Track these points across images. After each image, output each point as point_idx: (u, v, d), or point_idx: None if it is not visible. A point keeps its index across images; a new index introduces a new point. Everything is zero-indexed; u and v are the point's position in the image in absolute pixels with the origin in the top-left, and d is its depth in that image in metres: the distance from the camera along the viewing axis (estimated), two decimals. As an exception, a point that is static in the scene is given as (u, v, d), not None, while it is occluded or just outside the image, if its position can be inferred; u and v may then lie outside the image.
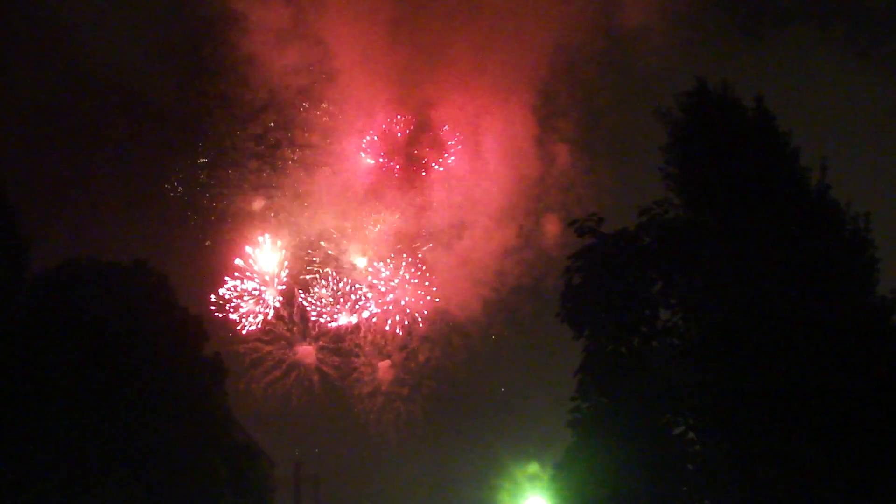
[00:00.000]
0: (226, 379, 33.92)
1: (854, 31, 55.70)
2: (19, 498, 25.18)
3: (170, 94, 57.54)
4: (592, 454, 20.46)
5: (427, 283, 57.29)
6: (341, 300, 56.82)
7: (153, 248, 50.73)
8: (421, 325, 57.27)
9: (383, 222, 57.70)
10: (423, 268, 57.58)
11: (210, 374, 32.37)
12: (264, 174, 56.66)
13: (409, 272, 57.33)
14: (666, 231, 21.19)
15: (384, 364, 56.98)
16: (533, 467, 42.35)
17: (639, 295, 20.98)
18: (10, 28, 55.24)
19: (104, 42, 53.99)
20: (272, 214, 56.61)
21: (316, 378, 56.52)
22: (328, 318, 56.78)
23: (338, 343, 56.85)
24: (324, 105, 57.01)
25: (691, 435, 20.39)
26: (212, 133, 57.05)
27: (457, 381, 57.33)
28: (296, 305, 56.30)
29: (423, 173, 58.44)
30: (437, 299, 57.13)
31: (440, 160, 58.47)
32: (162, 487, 28.92)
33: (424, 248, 57.92)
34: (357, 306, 56.97)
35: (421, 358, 57.38)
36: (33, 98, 55.59)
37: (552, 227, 55.66)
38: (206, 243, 56.94)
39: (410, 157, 58.57)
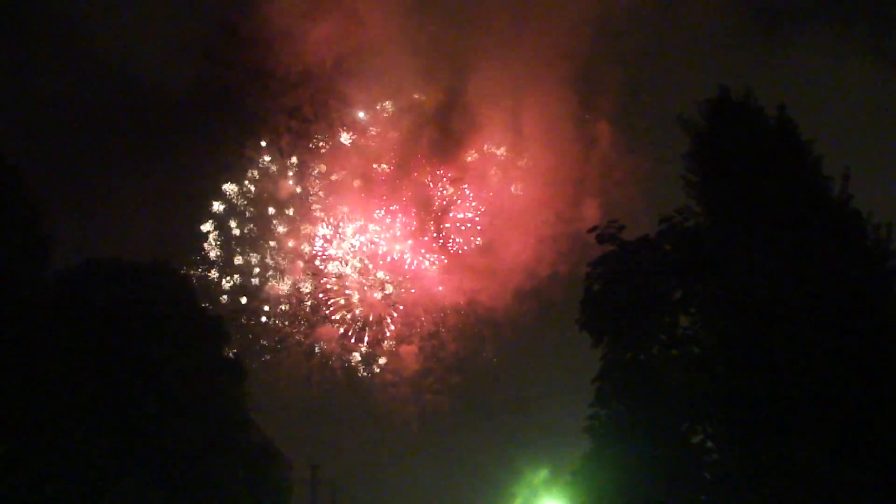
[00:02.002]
0: (245, 380, 34.18)
1: (877, 34, 55.26)
2: (36, 498, 25.31)
3: (198, 74, 56.64)
4: (610, 461, 20.51)
5: (457, 269, 56.11)
6: (367, 285, 55.96)
7: (177, 245, 50.77)
8: (450, 312, 56.21)
9: (413, 203, 56.58)
10: (454, 252, 56.40)
11: (229, 376, 32.57)
12: (297, 151, 55.73)
13: (439, 257, 56.25)
14: (686, 239, 21.18)
15: (410, 352, 55.78)
16: (548, 473, 42.13)
17: (658, 303, 20.98)
18: (29, 23, 55.38)
19: (125, 29, 53.91)
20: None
21: (337, 365, 55.74)
22: (353, 301, 55.88)
23: (362, 328, 55.95)
24: (355, 77, 56.00)
25: (709, 444, 20.39)
26: (244, 108, 56.25)
27: (482, 374, 56.21)
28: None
29: (465, 152, 57.13)
30: (466, 287, 55.90)
31: (474, 138, 56.93)
32: (179, 488, 29.11)
33: (455, 232, 56.69)
34: (384, 292, 56.01)
35: (450, 348, 56.31)
36: (55, 95, 55.79)
37: (591, 212, 53.67)
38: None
39: (443, 136, 57.11)
